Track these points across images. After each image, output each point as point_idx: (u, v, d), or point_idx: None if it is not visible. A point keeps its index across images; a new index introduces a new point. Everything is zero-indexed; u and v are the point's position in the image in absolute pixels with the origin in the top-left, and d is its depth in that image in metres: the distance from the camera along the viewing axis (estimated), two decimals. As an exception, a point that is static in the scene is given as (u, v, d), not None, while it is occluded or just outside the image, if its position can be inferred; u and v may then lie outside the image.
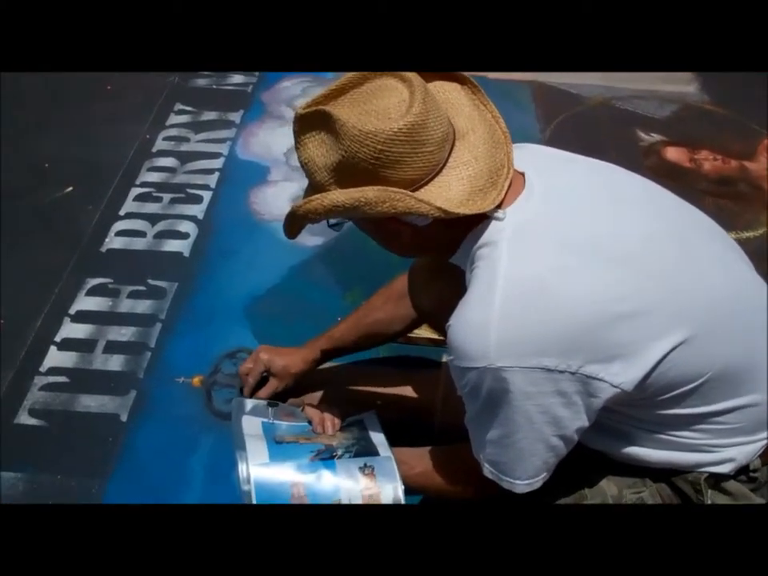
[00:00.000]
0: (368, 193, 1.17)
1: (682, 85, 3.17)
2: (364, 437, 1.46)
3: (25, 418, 1.99)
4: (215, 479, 1.86)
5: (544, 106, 3.05)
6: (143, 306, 2.27)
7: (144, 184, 2.66)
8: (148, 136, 2.83)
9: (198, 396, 2.04)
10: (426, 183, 1.20)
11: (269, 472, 1.35)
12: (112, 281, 2.33)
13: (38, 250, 2.41)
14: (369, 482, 1.34)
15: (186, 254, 2.42)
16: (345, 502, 1.32)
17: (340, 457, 1.39)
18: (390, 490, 1.34)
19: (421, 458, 1.46)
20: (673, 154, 2.78)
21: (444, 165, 1.21)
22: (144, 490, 1.84)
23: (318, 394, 1.94)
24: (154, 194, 2.62)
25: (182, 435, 1.96)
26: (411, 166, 1.17)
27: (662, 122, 2.99)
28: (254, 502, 1.31)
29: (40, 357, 2.13)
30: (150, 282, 2.33)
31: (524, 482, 1.30)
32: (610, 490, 1.40)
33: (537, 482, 1.30)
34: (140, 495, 1.83)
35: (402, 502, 1.33)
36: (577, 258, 1.20)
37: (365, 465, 1.36)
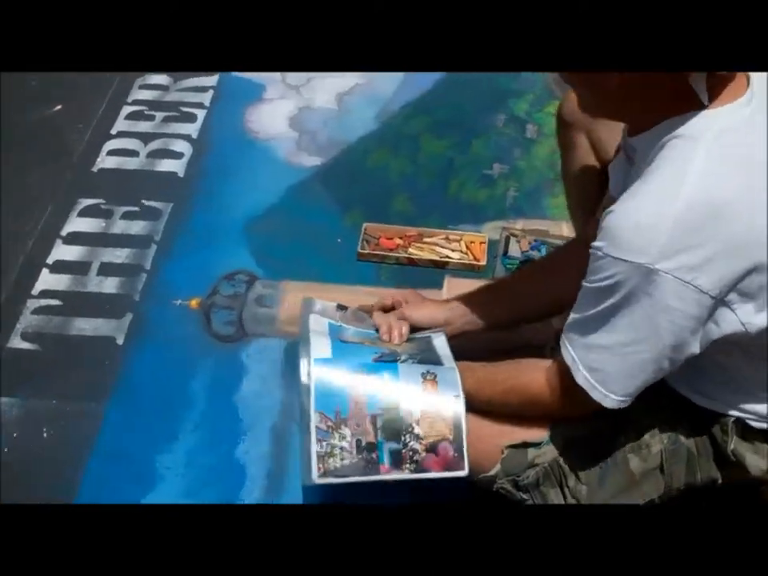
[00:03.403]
0: None
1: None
2: (429, 348, 1.41)
3: (17, 342, 1.94)
4: (217, 401, 1.83)
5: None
6: (138, 227, 2.20)
7: (136, 102, 2.56)
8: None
9: (197, 318, 2.00)
10: None
11: (330, 366, 1.30)
12: (104, 201, 2.26)
13: (27, 171, 2.33)
14: (430, 388, 1.30)
15: (181, 174, 2.35)
16: (403, 404, 1.28)
17: (403, 361, 1.34)
18: (450, 399, 1.29)
19: (483, 366, 1.40)
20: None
21: None
22: (143, 413, 1.81)
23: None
24: (146, 113, 2.53)
25: (180, 358, 1.92)
26: None
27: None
28: (312, 395, 1.26)
29: (32, 279, 2.07)
30: (144, 202, 2.26)
31: (618, 398, 1.24)
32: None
33: (626, 402, 1.25)
34: (139, 419, 1.80)
35: (462, 414, 1.28)
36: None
37: (427, 371, 1.31)
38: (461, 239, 2.15)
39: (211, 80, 2.64)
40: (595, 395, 1.24)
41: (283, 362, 1.91)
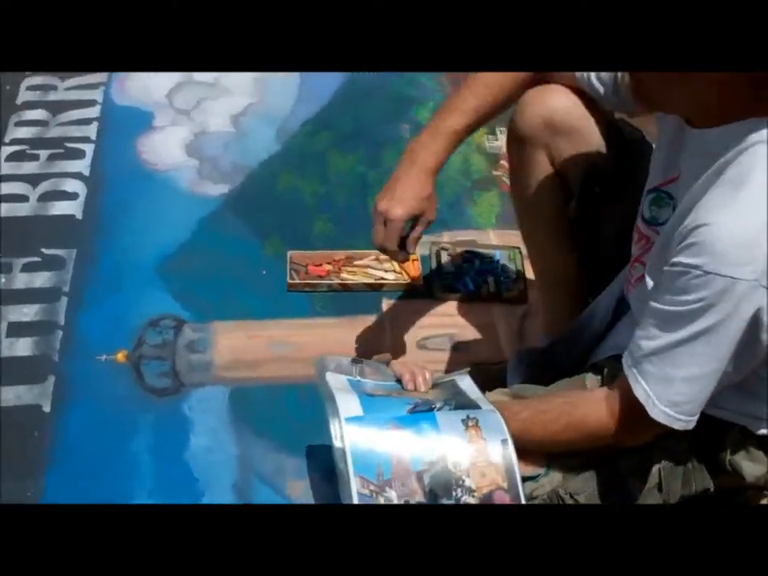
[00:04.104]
0: None
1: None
2: (459, 392, 1.31)
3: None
4: (166, 461, 1.70)
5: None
6: (42, 279, 2.01)
7: (14, 141, 2.36)
8: (8, 87, 2.51)
9: (126, 373, 1.85)
10: None
11: (363, 425, 1.18)
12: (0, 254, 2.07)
13: None
14: (474, 434, 1.20)
15: (79, 215, 2.17)
16: (450, 456, 1.17)
17: (439, 409, 1.24)
18: (497, 445, 1.19)
19: (526, 405, 1.33)
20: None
21: None
22: (86, 486, 1.65)
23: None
24: (29, 152, 2.33)
25: (117, 419, 1.76)
26: None
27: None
28: (349, 459, 1.15)
29: (-67, 350, 1.87)
30: (44, 251, 2.07)
31: (696, 418, 1.20)
32: None
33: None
34: (82, 491, 1.64)
35: (514, 459, 1.18)
36: None
37: (467, 417, 1.21)
38: (392, 258, 2.08)
39: (93, 111, 2.46)
40: (678, 426, 1.19)
41: (230, 411, 1.79)
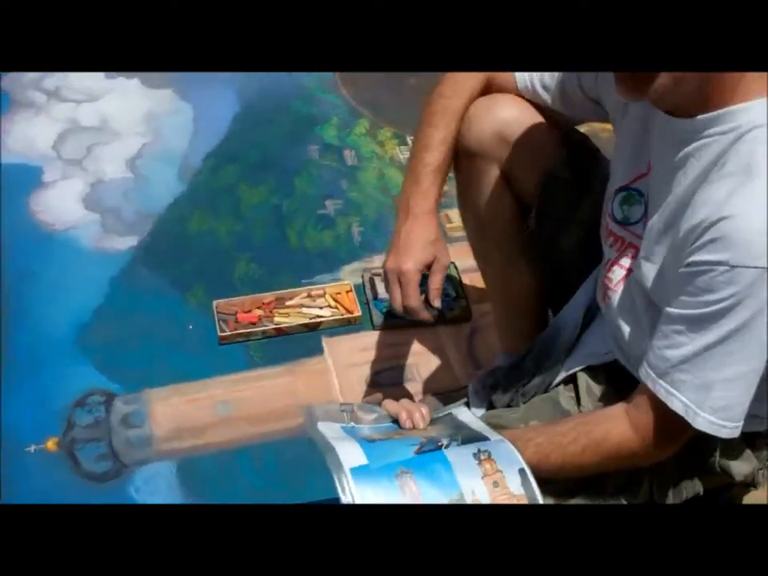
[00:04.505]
0: None
1: None
2: (461, 425, 1.22)
3: None
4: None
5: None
6: (-54, 368, 1.84)
7: None
8: None
9: (60, 462, 1.69)
10: None
11: (371, 476, 1.08)
12: None
13: None
14: (489, 468, 1.10)
15: (-25, 289, 1.99)
16: (468, 496, 1.08)
17: (447, 446, 1.14)
18: (516, 475, 1.10)
19: (538, 430, 1.25)
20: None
21: None
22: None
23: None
24: None
25: (58, 515, 1.60)
26: None
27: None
28: None
29: None
30: (-56, 334, 1.90)
31: (740, 424, 1.14)
32: None
33: None
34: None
35: (535, 486, 1.10)
36: None
37: (478, 450, 1.12)
38: (324, 293, 1.97)
39: (-25, 173, 2.27)
40: (724, 433, 1.14)
41: (180, 487, 1.65)
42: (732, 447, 1.31)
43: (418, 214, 1.37)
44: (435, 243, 1.37)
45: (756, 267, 1.03)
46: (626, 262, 1.29)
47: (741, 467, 1.34)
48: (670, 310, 1.13)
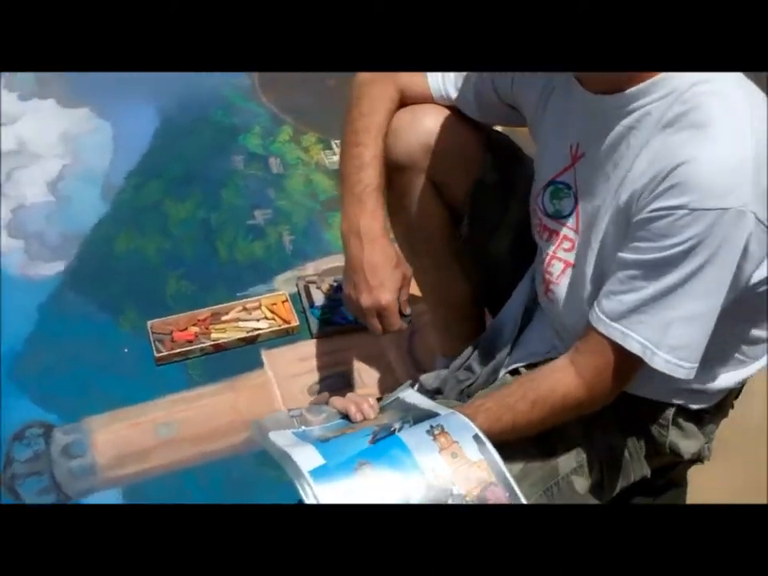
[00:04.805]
0: None
1: None
2: (410, 407, 1.23)
3: None
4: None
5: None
6: None
7: None
8: None
9: (3, 498, 1.65)
10: None
11: (331, 475, 1.08)
12: None
13: None
14: (444, 442, 1.11)
15: None
16: (428, 473, 1.09)
17: (400, 429, 1.15)
18: (471, 443, 1.11)
19: (486, 396, 1.25)
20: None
21: None
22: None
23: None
24: None
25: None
26: None
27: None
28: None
29: None
30: None
31: (696, 365, 1.16)
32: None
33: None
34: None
35: (492, 450, 1.11)
36: None
37: (431, 426, 1.13)
38: (260, 305, 1.95)
39: None
40: (680, 373, 1.15)
41: (128, 514, 1.62)
42: (679, 426, 1.34)
43: (373, 239, 1.35)
44: (399, 264, 1.36)
45: (716, 209, 1.06)
46: (563, 254, 1.31)
47: (689, 445, 1.37)
48: (625, 256, 1.14)
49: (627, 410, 1.31)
